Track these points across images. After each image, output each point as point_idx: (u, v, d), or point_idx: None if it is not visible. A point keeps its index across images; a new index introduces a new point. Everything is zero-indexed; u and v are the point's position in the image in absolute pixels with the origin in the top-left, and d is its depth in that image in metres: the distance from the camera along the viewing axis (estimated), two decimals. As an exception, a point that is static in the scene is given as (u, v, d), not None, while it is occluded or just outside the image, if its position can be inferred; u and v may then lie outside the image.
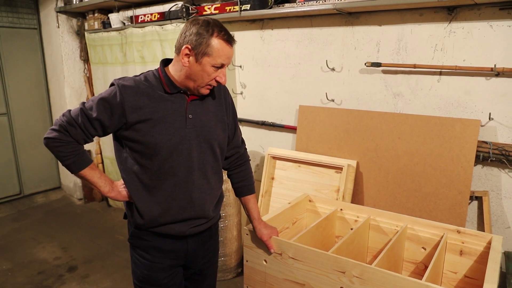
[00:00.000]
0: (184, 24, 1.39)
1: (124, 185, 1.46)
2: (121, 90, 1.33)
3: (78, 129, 1.34)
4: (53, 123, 1.36)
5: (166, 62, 1.45)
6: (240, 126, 3.20)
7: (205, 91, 1.40)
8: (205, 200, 1.49)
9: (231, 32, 3.40)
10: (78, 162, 1.37)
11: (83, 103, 1.36)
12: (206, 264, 1.65)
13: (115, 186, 1.46)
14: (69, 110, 1.37)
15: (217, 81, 1.38)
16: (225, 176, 2.64)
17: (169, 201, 1.43)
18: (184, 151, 1.40)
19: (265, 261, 1.64)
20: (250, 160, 1.70)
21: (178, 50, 1.35)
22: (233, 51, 1.37)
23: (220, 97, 1.53)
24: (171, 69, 1.41)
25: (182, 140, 1.39)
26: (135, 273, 1.55)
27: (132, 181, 1.43)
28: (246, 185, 1.64)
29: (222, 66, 1.35)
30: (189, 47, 1.31)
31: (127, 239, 1.57)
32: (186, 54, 1.32)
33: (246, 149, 1.69)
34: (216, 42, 1.30)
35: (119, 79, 1.38)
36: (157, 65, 1.48)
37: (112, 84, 1.38)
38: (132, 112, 1.33)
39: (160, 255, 1.50)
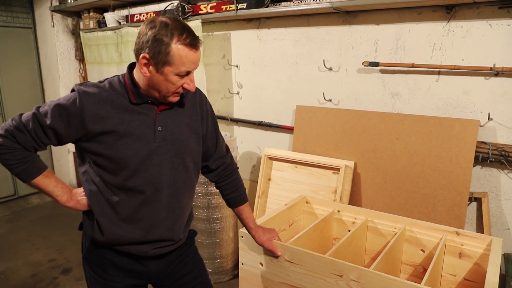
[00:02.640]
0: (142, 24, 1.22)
1: (84, 193, 1.32)
2: (82, 97, 1.18)
3: (28, 136, 1.18)
4: None
5: (133, 66, 1.27)
6: (237, 127, 3.17)
7: (174, 99, 1.24)
8: (173, 221, 1.34)
9: (228, 32, 3.32)
10: (28, 170, 1.22)
11: (38, 108, 1.20)
12: (177, 282, 1.46)
13: (73, 195, 1.31)
14: (20, 114, 1.21)
15: (184, 88, 1.22)
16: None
17: (133, 221, 1.29)
18: (152, 167, 1.25)
19: (261, 264, 1.61)
20: (238, 168, 1.57)
21: (136, 57, 1.19)
22: (199, 54, 1.19)
23: (195, 106, 1.36)
24: (136, 75, 1.24)
25: (150, 155, 1.24)
26: None
27: (95, 195, 1.28)
28: (237, 195, 1.52)
29: (187, 73, 1.19)
30: (147, 56, 1.15)
31: (82, 253, 1.41)
32: (145, 64, 1.17)
33: (232, 157, 1.55)
34: (177, 49, 1.13)
35: (81, 84, 1.23)
36: None
37: (73, 90, 1.23)
38: (93, 123, 1.19)
39: (119, 273, 1.36)
